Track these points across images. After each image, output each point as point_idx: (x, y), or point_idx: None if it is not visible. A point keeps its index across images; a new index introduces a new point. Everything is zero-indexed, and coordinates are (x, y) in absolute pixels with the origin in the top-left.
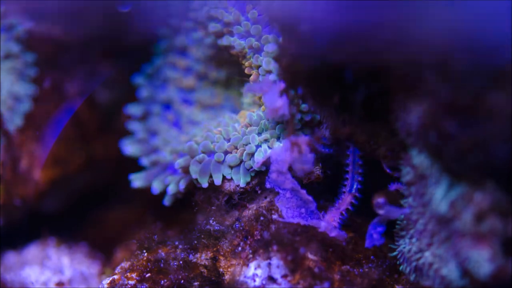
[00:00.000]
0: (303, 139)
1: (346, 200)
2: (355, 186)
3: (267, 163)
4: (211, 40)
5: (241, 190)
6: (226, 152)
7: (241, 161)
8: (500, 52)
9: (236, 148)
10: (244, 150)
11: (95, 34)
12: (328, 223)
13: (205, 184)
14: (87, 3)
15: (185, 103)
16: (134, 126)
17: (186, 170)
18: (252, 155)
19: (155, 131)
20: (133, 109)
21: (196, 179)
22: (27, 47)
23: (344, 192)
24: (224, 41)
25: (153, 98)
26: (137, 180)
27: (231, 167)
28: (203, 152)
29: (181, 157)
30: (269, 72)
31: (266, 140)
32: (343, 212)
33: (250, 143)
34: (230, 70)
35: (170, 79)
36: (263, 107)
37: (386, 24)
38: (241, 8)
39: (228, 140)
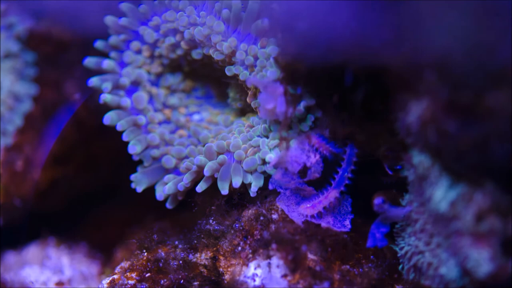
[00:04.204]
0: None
1: (330, 195)
2: (342, 182)
3: (278, 164)
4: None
5: (241, 190)
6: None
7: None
8: (500, 52)
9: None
10: (255, 151)
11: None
12: (302, 213)
13: (225, 191)
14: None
15: (153, 86)
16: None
17: (200, 169)
18: (263, 160)
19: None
20: (97, 80)
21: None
22: (27, 46)
23: (330, 186)
24: (228, 72)
25: (116, 72)
26: (139, 185)
27: (250, 172)
28: (218, 153)
29: (184, 163)
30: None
31: (276, 147)
32: (327, 206)
33: (261, 148)
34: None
35: (133, 62)
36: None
37: (386, 23)
38: (244, 39)
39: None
